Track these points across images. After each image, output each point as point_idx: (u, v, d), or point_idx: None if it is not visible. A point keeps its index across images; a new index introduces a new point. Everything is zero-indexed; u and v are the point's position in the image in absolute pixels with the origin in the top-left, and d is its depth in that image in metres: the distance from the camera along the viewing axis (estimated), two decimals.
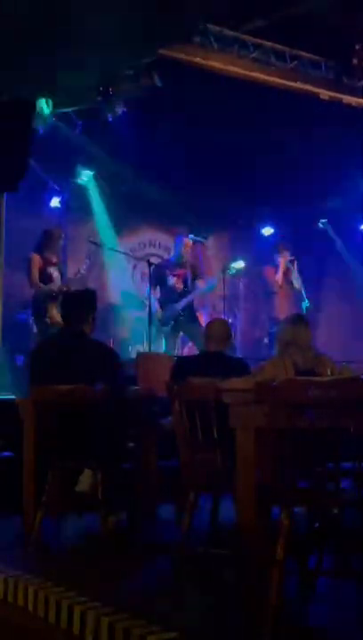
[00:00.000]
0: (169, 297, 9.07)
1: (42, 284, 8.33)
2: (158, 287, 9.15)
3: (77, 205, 10.15)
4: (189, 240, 9.36)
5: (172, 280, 9.11)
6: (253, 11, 7.00)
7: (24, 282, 8.49)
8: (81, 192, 10.09)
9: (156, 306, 9.01)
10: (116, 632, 3.16)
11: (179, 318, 9.01)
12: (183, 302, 9.02)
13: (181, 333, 9.23)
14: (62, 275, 8.63)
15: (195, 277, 9.18)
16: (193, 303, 9.17)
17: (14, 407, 5.39)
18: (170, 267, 9.25)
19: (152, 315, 8.67)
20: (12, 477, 5.32)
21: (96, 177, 9.96)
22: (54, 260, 8.56)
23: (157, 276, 9.12)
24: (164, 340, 9.12)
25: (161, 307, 9.05)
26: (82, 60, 6.92)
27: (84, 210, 10.22)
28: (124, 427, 5.04)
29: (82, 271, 8.78)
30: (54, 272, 8.48)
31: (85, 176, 9.87)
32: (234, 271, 9.84)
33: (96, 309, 5.35)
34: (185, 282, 9.13)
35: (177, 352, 9.07)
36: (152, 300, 8.84)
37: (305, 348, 4.65)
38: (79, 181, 9.95)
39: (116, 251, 10.00)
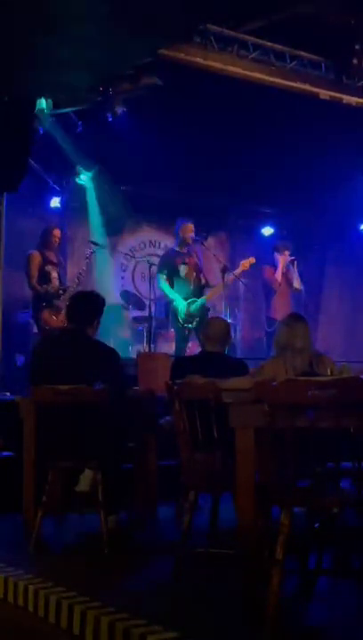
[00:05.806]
0: (183, 288, 8.65)
1: (39, 286, 8.32)
2: (173, 280, 8.66)
3: (77, 205, 10.15)
4: (190, 224, 8.82)
5: (184, 270, 8.71)
6: (253, 11, 6.98)
7: (24, 282, 8.49)
8: (81, 192, 10.09)
9: (179, 301, 8.56)
10: (117, 632, 3.16)
11: (201, 316, 8.54)
12: (203, 300, 8.66)
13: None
14: (61, 275, 8.63)
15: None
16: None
17: (14, 407, 5.40)
18: (178, 255, 8.79)
19: (155, 312, 8.46)
20: (12, 477, 5.33)
21: (96, 177, 9.93)
22: (53, 258, 8.57)
23: (169, 267, 8.73)
24: (178, 339, 8.73)
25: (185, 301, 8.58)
26: (82, 60, 6.91)
27: (84, 210, 10.21)
28: (124, 427, 5.05)
29: (81, 272, 8.76)
30: (53, 272, 8.48)
31: (85, 176, 9.82)
32: (247, 266, 9.65)
33: (102, 314, 5.35)
34: (197, 270, 8.75)
35: (188, 352, 8.64)
36: (171, 296, 8.51)
37: (302, 349, 4.59)
38: (79, 181, 9.92)
39: (116, 251, 10.00)
